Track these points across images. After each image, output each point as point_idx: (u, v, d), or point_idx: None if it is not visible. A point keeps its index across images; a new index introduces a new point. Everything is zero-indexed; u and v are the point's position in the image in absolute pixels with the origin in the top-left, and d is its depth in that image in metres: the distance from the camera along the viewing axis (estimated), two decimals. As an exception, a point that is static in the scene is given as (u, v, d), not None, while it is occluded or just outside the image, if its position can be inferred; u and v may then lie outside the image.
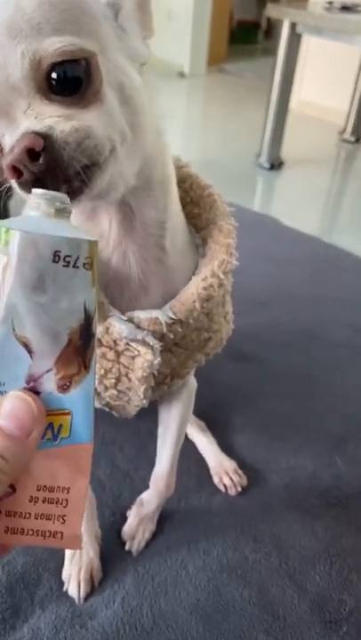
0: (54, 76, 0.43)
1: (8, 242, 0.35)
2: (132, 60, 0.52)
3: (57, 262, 0.36)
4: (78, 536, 0.39)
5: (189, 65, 4.75)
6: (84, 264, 0.37)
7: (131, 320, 0.63)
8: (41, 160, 0.41)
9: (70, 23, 0.44)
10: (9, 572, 0.88)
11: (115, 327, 0.62)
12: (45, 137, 0.41)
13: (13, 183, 0.44)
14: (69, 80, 0.43)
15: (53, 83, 0.43)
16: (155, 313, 0.63)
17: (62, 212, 0.39)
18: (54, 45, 0.42)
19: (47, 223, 0.38)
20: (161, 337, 0.65)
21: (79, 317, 0.38)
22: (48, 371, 0.37)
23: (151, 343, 0.64)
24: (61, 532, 0.38)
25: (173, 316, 0.64)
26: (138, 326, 0.63)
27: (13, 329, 0.36)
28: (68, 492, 0.39)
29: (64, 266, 0.36)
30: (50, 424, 0.38)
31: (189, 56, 4.72)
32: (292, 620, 0.85)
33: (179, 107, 4.00)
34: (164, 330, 0.64)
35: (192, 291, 0.64)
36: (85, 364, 0.39)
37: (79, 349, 0.38)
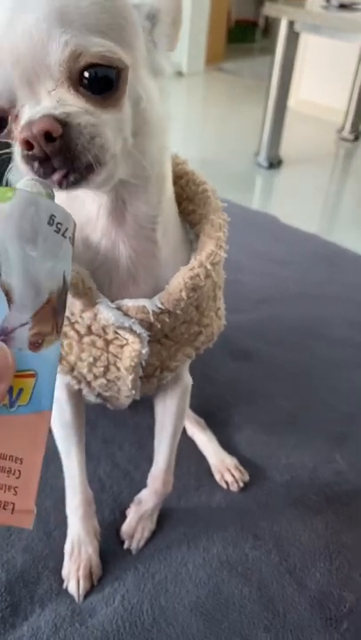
0: (87, 73, 0.45)
1: (11, 197, 0.38)
2: (155, 74, 0.54)
3: (51, 225, 0.39)
4: (31, 511, 0.38)
5: (187, 64, 4.74)
6: (69, 237, 0.41)
7: (119, 308, 0.64)
8: (56, 143, 0.43)
9: (115, 30, 0.46)
10: (8, 571, 0.88)
11: (102, 314, 0.63)
12: (64, 124, 0.43)
13: (17, 152, 0.46)
14: (100, 81, 0.45)
15: (84, 78, 0.45)
16: (142, 301, 0.64)
17: (51, 196, 0.43)
18: (97, 47, 0.44)
19: (41, 196, 0.41)
20: (149, 327, 0.65)
21: (58, 283, 0.40)
22: (23, 325, 0.37)
23: (138, 332, 0.65)
24: (13, 504, 0.36)
25: (161, 306, 0.64)
26: (125, 314, 0.64)
27: (0, 274, 0.37)
28: (22, 462, 0.37)
29: (55, 231, 0.39)
30: (9, 387, 0.37)
31: (187, 55, 4.71)
32: (292, 617, 0.85)
33: (177, 106, 4.00)
34: (151, 319, 0.64)
35: (179, 280, 0.64)
36: (57, 328, 0.40)
37: (55, 311, 0.39)
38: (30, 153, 0.44)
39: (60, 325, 0.40)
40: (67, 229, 0.40)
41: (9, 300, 0.37)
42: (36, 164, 0.45)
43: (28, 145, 0.44)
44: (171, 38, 0.55)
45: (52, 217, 0.39)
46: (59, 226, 0.39)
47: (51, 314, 0.39)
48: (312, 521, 1.00)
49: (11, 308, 0.37)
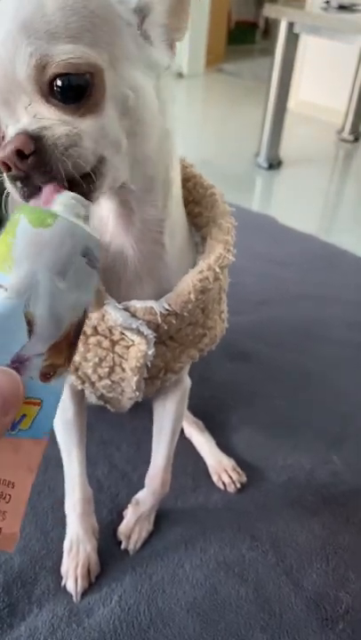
0: (57, 83, 0.44)
1: (51, 224, 0.37)
2: (150, 68, 0.51)
3: (84, 257, 0.38)
4: (15, 535, 0.38)
5: (188, 65, 4.74)
6: (97, 268, 0.40)
7: (126, 309, 0.64)
8: (29, 160, 0.43)
9: (88, 31, 0.44)
10: (6, 571, 0.89)
11: (110, 315, 0.63)
12: (37, 139, 0.43)
13: (4, 175, 0.46)
14: (71, 89, 0.44)
15: (55, 89, 0.44)
16: (150, 303, 0.64)
17: (87, 219, 0.41)
18: (62, 56, 0.43)
19: (79, 222, 0.40)
20: (156, 328, 0.66)
21: (79, 314, 0.39)
22: (38, 355, 0.37)
23: (145, 333, 0.65)
24: (0, 528, 0.37)
25: (169, 308, 0.64)
26: (133, 315, 0.64)
27: (27, 304, 0.36)
28: (13, 487, 0.37)
29: (87, 263, 0.39)
30: None
31: (188, 56, 4.71)
32: (288, 618, 0.85)
33: (177, 107, 4.01)
34: (159, 320, 0.65)
35: (188, 282, 0.65)
36: (69, 359, 0.39)
37: (71, 343, 0.39)
38: (10, 174, 0.44)
39: (72, 355, 0.40)
40: (97, 259, 0.39)
41: (30, 331, 0.36)
42: (18, 184, 0.44)
43: (5, 166, 0.43)
44: (170, 28, 0.51)
45: (86, 248, 0.38)
46: (91, 257, 0.39)
47: (66, 346, 0.39)
48: (309, 522, 1.01)
49: (30, 338, 0.37)
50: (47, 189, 0.43)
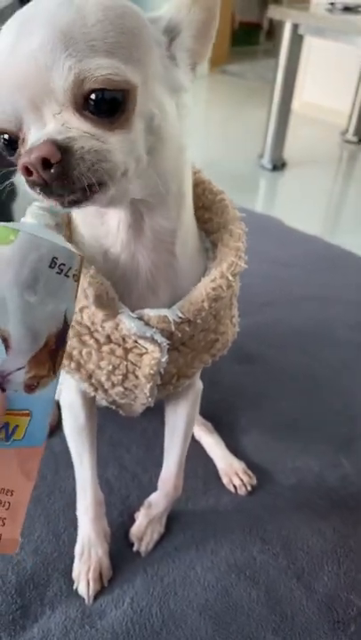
0: (92, 97, 0.44)
1: (13, 241, 0.37)
2: (173, 89, 0.52)
3: (52, 268, 0.38)
4: (16, 540, 0.39)
5: (191, 66, 4.76)
6: (73, 275, 0.40)
7: (140, 317, 0.64)
8: (53, 170, 0.43)
9: (123, 47, 0.44)
10: (19, 573, 0.89)
11: (124, 324, 0.63)
12: (64, 149, 0.42)
13: (21, 177, 0.46)
14: (105, 104, 0.44)
15: (90, 102, 0.44)
16: (164, 311, 0.64)
17: (60, 227, 0.42)
18: (101, 71, 0.42)
19: (46, 232, 0.40)
20: (169, 335, 0.66)
21: (58, 323, 0.40)
22: (19, 368, 0.38)
23: (159, 341, 0.65)
24: (0, 534, 0.38)
25: (182, 315, 0.65)
26: (147, 324, 0.64)
27: None
28: (12, 494, 0.39)
29: (57, 273, 0.39)
30: (5, 423, 0.38)
31: (191, 57, 4.73)
32: (300, 621, 0.85)
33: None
34: (173, 328, 0.65)
35: (201, 291, 0.65)
36: (54, 368, 0.40)
37: (52, 353, 0.40)
38: (30, 179, 0.44)
39: (57, 365, 0.41)
40: (70, 268, 0.39)
41: (6, 347, 0.37)
42: (37, 189, 0.45)
43: (27, 171, 0.43)
44: (194, 52, 0.53)
45: (53, 260, 0.38)
46: (61, 267, 0.39)
47: (47, 356, 0.39)
48: (319, 525, 1.01)
49: (8, 353, 0.38)
50: None
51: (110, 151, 0.45)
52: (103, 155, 0.44)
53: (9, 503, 0.38)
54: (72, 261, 0.39)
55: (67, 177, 0.43)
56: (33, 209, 0.42)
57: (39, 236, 0.38)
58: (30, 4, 0.45)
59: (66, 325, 0.40)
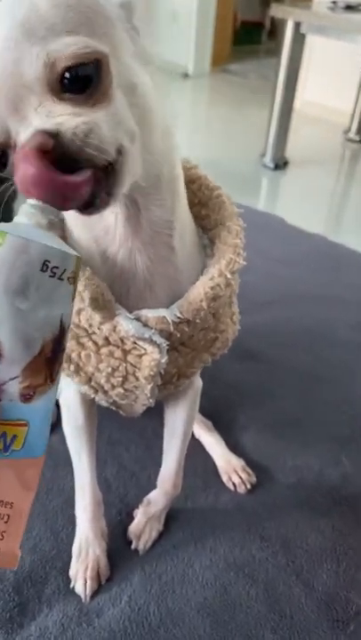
0: (67, 76, 0.43)
1: (0, 244, 0.35)
2: (145, 62, 0.52)
3: (44, 271, 0.36)
4: (16, 555, 0.38)
5: (193, 65, 4.73)
6: (68, 278, 0.38)
7: (138, 319, 0.63)
8: (50, 156, 0.42)
9: (85, 25, 0.44)
10: (16, 571, 0.89)
11: (122, 326, 0.62)
12: (55, 135, 0.42)
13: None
14: (80, 79, 0.44)
15: (65, 82, 0.43)
16: (162, 312, 0.63)
17: (53, 225, 0.40)
18: (69, 48, 0.42)
19: (38, 233, 0.38)
20: (168, 336, 0.65)
21: (54, 329, 0.38)
22: (13, 378, 0.37)
23: (158, 342, 0.64)
24: None
25: (180, 315, 0.64)
26: (145, 325, 0.63)
27: None
28: (12, 507, 0.38)
29: (50, 276, 0.37)
30: (3, 433, 0.37)
31: (193, 57, 4.70)
32: (299, 619, 0.85)
33: (183, 107, 4.01)
34: (171, 329, 0.64)
35: (199, 290, 0.64)
36: (52, 377, 0.39)
37: (49, 361, 0.38)
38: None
39: (55, 372, 0.39)
40: (64, 271, 0.37)
41: None
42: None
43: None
44: (147, 27, 0.53)
45: (45, 263, 0.36)
46: (54, 270, 0.37)
47: (43, 364, 0.38)
48: (318, 523, 1.00)
49: (1, 362, 0.36)
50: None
51: (98, 124, 0.44)
52: (90, 127, 0.43)
53: (8, 516, 0.37)
54: (66, 263, 0.38)
55: (66, 158, 0.42)
56: (25, 207, 0.41)
57: (28, 239, 0.36)
58: None
59: (62, 331, 0.39)
